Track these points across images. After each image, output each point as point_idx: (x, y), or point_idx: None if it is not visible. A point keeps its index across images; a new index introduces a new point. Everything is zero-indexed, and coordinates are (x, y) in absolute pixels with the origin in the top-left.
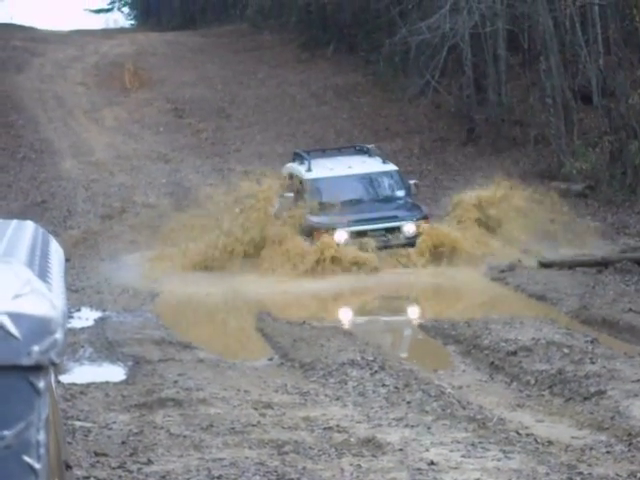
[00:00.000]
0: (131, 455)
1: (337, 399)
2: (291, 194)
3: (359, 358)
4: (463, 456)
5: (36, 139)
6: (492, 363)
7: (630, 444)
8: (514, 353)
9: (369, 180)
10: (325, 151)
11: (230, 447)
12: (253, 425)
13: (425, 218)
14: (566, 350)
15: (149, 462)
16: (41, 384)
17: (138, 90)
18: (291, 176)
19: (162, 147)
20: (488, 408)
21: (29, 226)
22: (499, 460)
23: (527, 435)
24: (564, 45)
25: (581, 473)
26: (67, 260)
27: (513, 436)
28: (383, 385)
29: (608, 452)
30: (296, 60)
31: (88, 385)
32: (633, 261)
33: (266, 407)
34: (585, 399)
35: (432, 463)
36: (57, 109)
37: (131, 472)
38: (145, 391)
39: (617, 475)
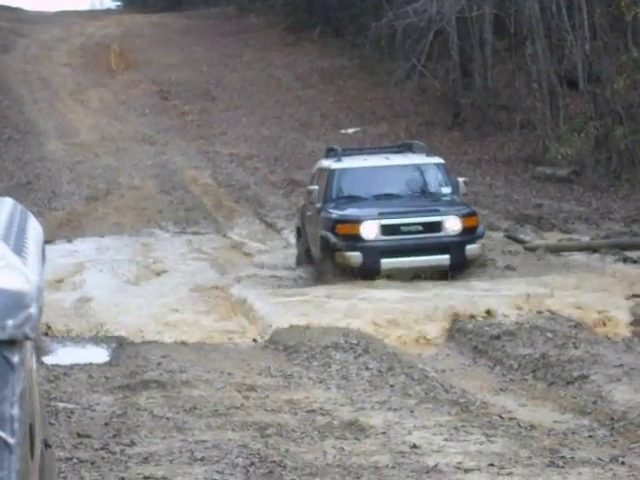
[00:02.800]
0: (114, 437)
1: (320, 382)
2: (315, 187)
3: (342, 341)
4: (446, 439)
5: (21, 120)
6: (475, 347)
7: (612, 428)
8: (497, 337)
9: (406, 173)
10: (362, 149)
11: (213, 429)
12: (236, 407)
13: (473, 215)
14: (549, 335)
15: (132, 444)
16: (15, 359)
17: (124, 72)
18: (320, 171)
19: (147, 129)
20: (471, 392)
21: (7, 202)
22: (481, 444)
23: (510, 419)
24: (550, 30)
25: (563, 457)
26: (49, 242)
27: (496, 420)
28: (367, 368)
29: (590, 436)
30: (282, 43)
31: (72, 367)
32: (618, 247)
33: (249, 390)
34: (568, 383)
35: (415, 446)
36: (42, 90)
37: (114, 454)
38: (129, 373)
39: (599, 459)
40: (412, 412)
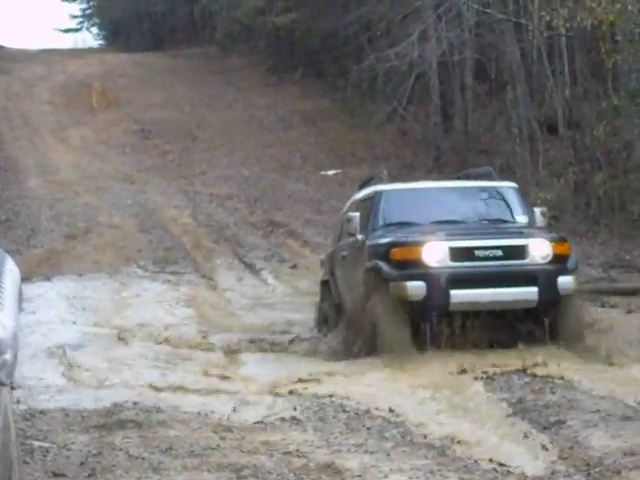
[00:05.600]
0: (89, 476)
1: (297, 424)
2: (356, 213)
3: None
4: None
5: (1, 157)
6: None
7: (589, 474)
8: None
9: (472, 197)
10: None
11: (189, 470)
12: (212, 448)
13: (564, 241)
14: (527, 379)
15: None
16: None
17: (105, 110)
18: (360, 202)
19: (128, 168)
20: (447, 436)
21: None
22: None
23: (487, 461)
24: (531, 75)
25: None
26: (26, 279)
27: (471, 464)
28: (343, 411)
29: None
30: (264, 84)
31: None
32: (596, 292)
33: (226, 430)
34: (545, 428)
35: None
36: (23, 127)
37: None
38: (105, 412)
39: None
40: (388, 455)
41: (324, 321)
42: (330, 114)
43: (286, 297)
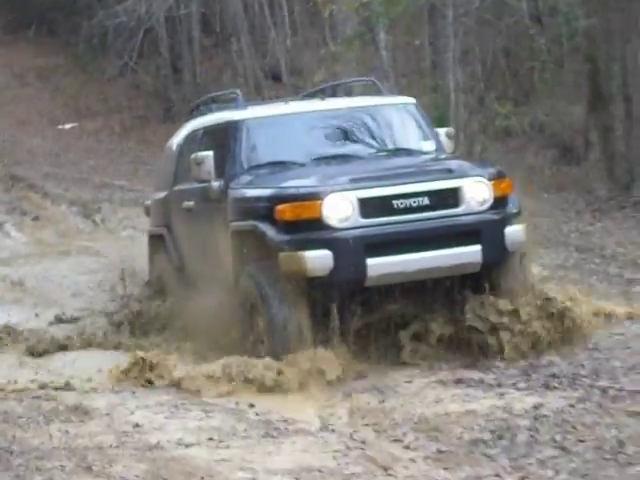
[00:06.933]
0: None
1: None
2: (208, 153)
3: None
4: (166, 417)
5: None
6: None
7: None
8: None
9: (358, 121)
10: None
11: None
12: None
13: (503, 177)
14: None
15: None
16: None
17: None
18: (203, 133)
19: None
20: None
21: None
22: (200, 420)
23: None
24: (254, 27)
25: (277, 428)
26: None
27: (212, 402)
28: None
29: None
30: None
31: None
32: None
33: None
34: None
35: (137, 425)
36: None
37: None
38: None
39: None
40: (134, 393)
41: (159, 287)
42: (64, 70)
43: (29, 247)
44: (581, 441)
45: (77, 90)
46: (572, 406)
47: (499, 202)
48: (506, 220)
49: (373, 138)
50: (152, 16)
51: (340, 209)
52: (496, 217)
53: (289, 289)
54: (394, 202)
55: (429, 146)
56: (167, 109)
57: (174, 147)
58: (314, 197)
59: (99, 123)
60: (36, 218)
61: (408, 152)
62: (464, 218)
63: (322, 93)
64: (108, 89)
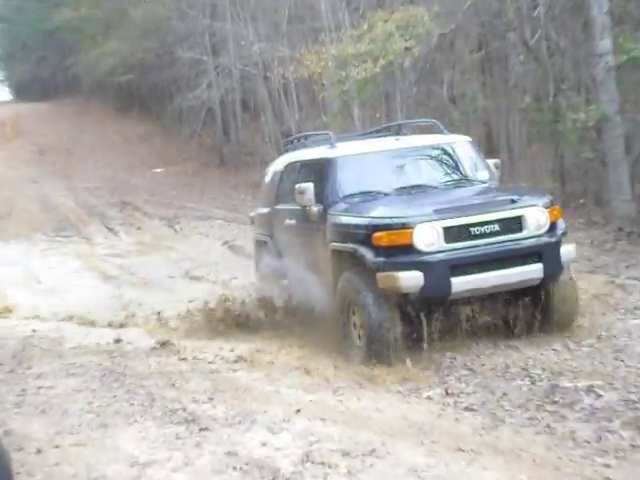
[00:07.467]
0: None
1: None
2: (309, 184)
3: None
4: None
5: None
6: None
7: None
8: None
9: (428, 156)
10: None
11: (79, 356)
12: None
13: (554, 205)
14: None
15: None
16: None
17: (15, 139)
18: (301, 166)
19: (32, 174)
20: None
21: None
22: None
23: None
24: (275, 106)
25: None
26: None
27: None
28: None
29: None
30: (114, 118)
31: None
32: None
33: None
34: None
35: (198, 359)
36: None
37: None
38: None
39: None
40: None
41: (266, 277)
42: (156, 134)
43: (134, 246)
44: (483, 365)
45: (164, 147)
46: (477, 344)
47: (553, 226)
48: (560, 241)
49: (441, 170)
50: (211, 100)
51: (428, 236)
52: (553, 239)
53: (382, 294)
54: (471, 229)
55: (484, 175)
56: (220, 159)
57: (275, 173)
58: (406, 226)
59: (178, 168)
60: (139, 228)
61: (470, 182)
62: (528, 241)
63: (388, 130)
64: (184, 146)
